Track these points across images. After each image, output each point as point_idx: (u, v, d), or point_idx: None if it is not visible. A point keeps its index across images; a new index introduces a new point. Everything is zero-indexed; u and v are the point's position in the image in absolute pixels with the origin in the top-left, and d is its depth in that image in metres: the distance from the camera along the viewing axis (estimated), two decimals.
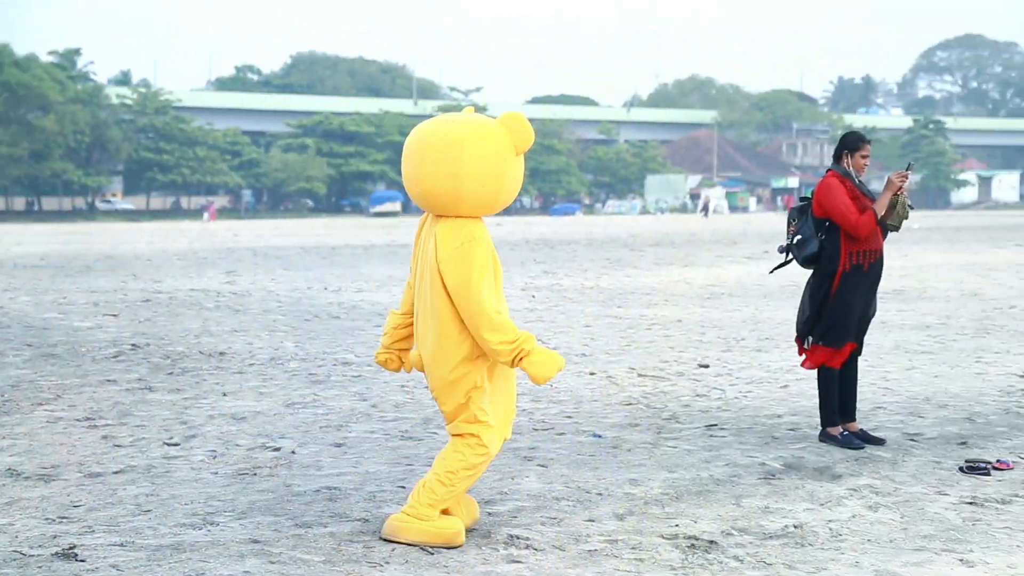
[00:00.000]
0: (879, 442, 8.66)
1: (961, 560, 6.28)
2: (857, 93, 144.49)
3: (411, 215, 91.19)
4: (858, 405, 8.94)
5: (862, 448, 8.48)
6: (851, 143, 8.78)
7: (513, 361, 5.81)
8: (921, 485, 7.70)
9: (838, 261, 8.62)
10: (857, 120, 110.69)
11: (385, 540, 6.20)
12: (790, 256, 8.89)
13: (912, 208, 8.88)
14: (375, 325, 16.24)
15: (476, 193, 5.84)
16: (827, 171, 8.86)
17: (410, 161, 5.92)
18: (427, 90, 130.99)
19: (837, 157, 8.80)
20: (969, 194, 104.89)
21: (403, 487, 7.39)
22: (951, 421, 9.49)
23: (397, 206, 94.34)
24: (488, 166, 5.83)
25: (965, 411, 9.87)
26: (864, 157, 8.75)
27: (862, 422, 8.98)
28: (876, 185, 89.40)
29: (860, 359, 8.91)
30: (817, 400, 8.80)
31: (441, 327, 5.91)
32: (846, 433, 8.66)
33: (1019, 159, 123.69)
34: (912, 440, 8.83)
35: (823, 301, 8.66)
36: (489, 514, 6.80)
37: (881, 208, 8.60)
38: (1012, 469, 8.07)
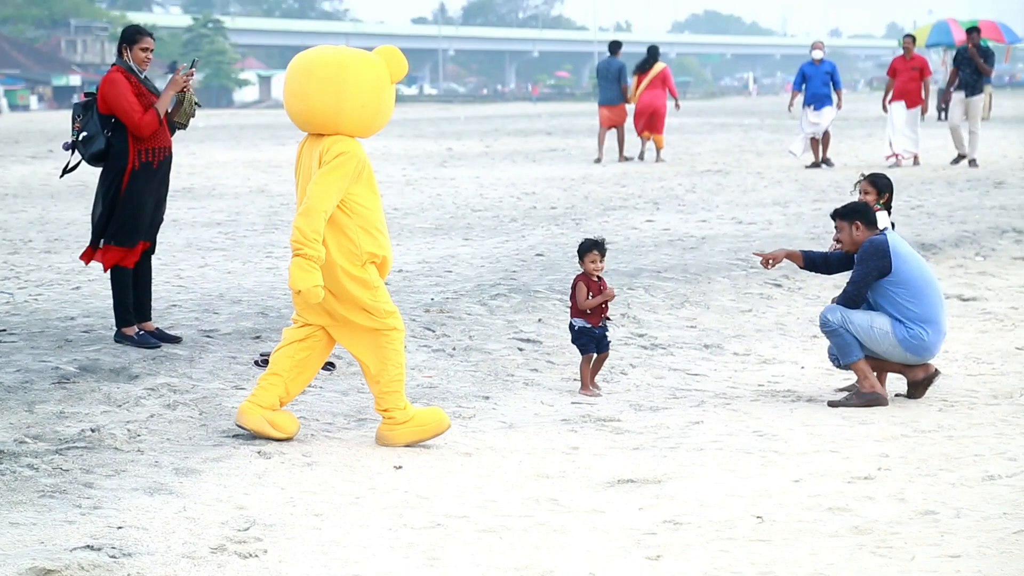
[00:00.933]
0: (175, 340, 8.61)
1: (259, 452, 6.40)
2: None
3: None
4: (153, 304, 8.82)
5: (158, 347, 8.40)
6: (130, 36, 8.55)
7: (293, 252, 6.22)
8: (218, 381, 7.75)
9: (126, 159, 8.38)
10: (138, 18, 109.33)
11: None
12: (78, 157, 8.54)
13: (200, 106, 8.82)
14: None
15: (357, 114, 6.35)
16: (112, 66, 8.57)
17: (296, 79, 6.39)
18: None
19: (120, 52, 8.54)
20: (251, 93, 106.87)
21: None
22: (245, 316, 9.63)
23: None
24: (369, 90, 6.38)
25: (258, 305, 10.06)
26: (144, 50, 8.54)
27: (157, 321, 8.88)
28: (161, 84, 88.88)
29: (154, 258, 8.77)
30: (112, 301, 8.58)
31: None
32: (142, 332, 8.53)
33: None
34: (208, 337, 8.86)
35: (114, 200, 8.41)
36: None
37: (164, 106, 8.46)
38: None
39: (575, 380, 8.30)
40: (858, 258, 7.54)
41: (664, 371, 8.67)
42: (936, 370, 7.67)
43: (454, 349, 8.87)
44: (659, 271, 11.63)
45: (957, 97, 22.20)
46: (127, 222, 8.40)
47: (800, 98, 22.81)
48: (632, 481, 6.06)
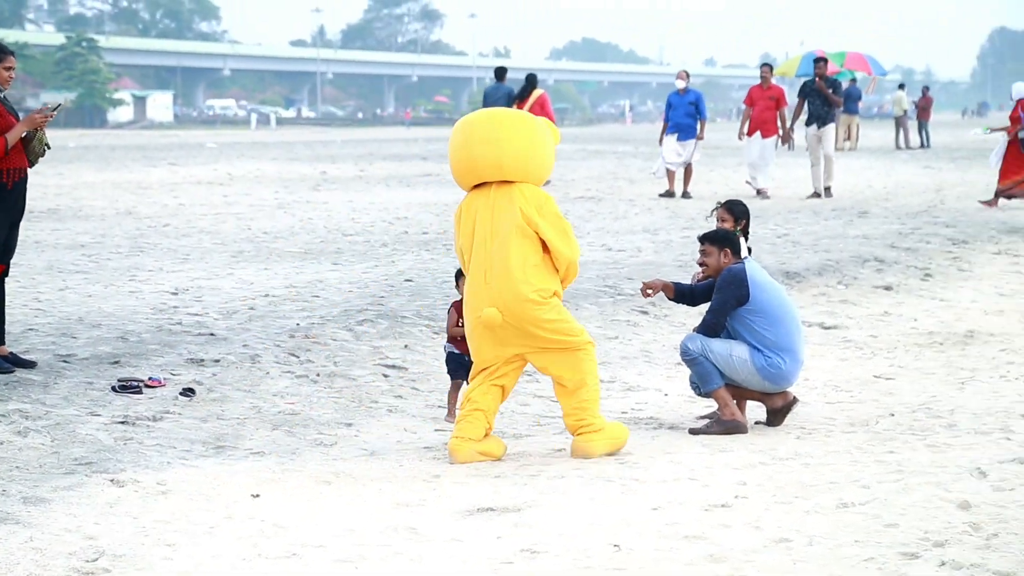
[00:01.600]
0: (30, 365, 8.41)
1: (112, 480, 6.26)
2: (7, 7, 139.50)
3: None
4: (7, 328, 8.60)
5: (12, 372, 8.19)
6: None
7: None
8: (73, 407, 7.58)
9: None
10: (11, 35, 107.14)
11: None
12: None
13: (49, 148, 8.58)
14: None
15: (549, 161, 7.09)
16: None
17: (485, 128, 6.96)
18: None
19: None
20: (125, 113, 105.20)
21: None
22: (104, 340, 9.43)
23: None
24: (549, 140, 7.09)
25: (119, 330, 9.86)
26: (8, 69, 8.35)
27: (12, 345, 8.66)
28: (32, 102, 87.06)
29: (12, 280, 8.55)
30: None
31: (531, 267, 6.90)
32: None
33: (172, 79, 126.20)
34: (64, 361, 8.66)
35: None
36: None
37: (15, 137, 8.23)
38: (164, 386, 8.19)
39: (440, 407, 8.26)
40: (717, 287, 7.61)
41: (529, 398, 8.66)
42: (794, 398, 7.77)
43: (318, 375, 8.78)
44: None
45: (810, 131, 21.81)
46: None
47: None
48: (492, 509, 6.02)
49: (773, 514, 5.85)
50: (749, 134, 22.03)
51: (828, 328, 11.13)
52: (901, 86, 42.88)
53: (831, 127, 21.87)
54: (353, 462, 6.93)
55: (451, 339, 7.96)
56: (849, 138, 38.50)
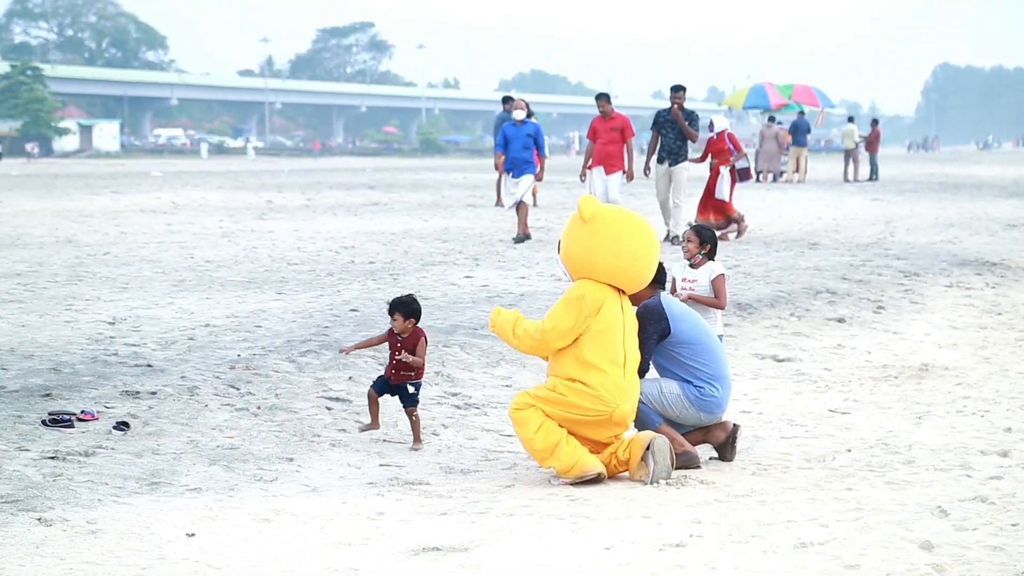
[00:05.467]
0: None
1: (39, 519, 5.97)
2: None
3: None
4: None
5: None
6: None
7: None
8: (0, 442, 7.25)
9: None
10: None
11: None
12: None
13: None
14: None
15: None
16: None
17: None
18: None
19: None
20: (71, 142, 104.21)
21: None
22: (36, 372, 9.10)
23: None
24: None
25: (52, 361, 9.53)
26: None
27: None
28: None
29: None
30: None
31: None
32: None
33: (119, 109, 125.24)
34: None
35: None
36: None
37: None
38: (97, 419, 7.88)
39: (384, 441, 8.01)
40: (638, 325, 7.37)
41: (477, 432, 8.42)
42: (735, 424, 7.58)
43: (259, 408, 8.50)
44: (475, 328, 11.40)
45: (661, 169, 18.93)
46: None
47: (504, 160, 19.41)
48: (438, 549, 5.77)
49: (729, 554, 5.64)
50: (590, 168, 19.30)
51: (781, 361, 10.96)
52: (850, 119, 43.05)
53: (683, 167, 18.95)
54: (294, 498, 6.66)
55: (421, 370, 7.94)
56: (798, 170, 38.59)
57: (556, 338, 7.05)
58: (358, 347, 8.29)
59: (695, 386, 7.36)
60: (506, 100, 25.07)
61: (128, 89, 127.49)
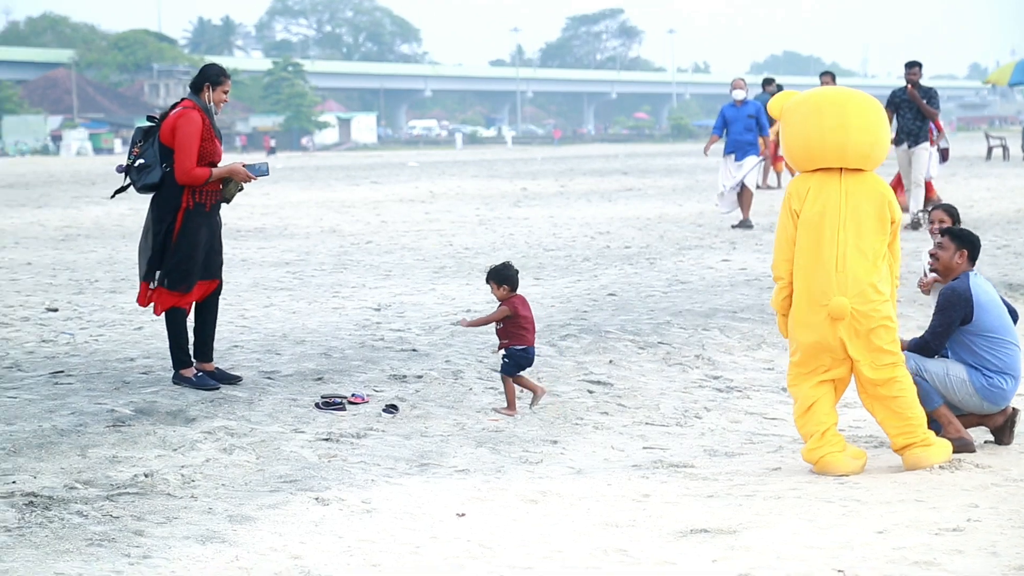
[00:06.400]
0: (235, 380, 8.40)
1: (317, 499, 6.17)
2: (217, 35, 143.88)
3: None
4: (216, 345, 8.62)
5: (217, 388, 8.18)
6: (214, 76, 8.34)
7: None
8: (277, 424, 7.53)
9: (180, 197, 8.15)
10: (221, 61, 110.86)
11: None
12: (128, 179, 8.34)
13: (242, 190, 8.55)
14: None
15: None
16: (183, 100, 8.36)
17: (885, 124, 6.85)
18: None
19: (197, 88, 8.35)
20: (330, 135, 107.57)
21: None
22: (308, 357, 9.41)
23: None
24: None
25: (322, 346, 9.84)
26: (226, 92, 8.39)
27: (218, 361, 8.68)
28: (241, 126, 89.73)
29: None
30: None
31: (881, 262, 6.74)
32: (200, 374, 8.32)
33: (375, 101, 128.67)
34: (269, 378, 8.64)
35: (165, 239, 8.17)
36: None
37: (216, 176, 8.22)
38: (367, 403, 8.09)
39: (647, 424, 8.00)
40: (939, 306, 7.15)
41: (740, 415, 8.34)
42: (1014, 408, 7.28)
43: (522, 391, 8.59)
44: (735, 311, 11.29)
45: (900, 151, 17.91)
46: (180, 264, 8.17)
47: (719, 145, 19.10)
48: (706, 531, 5.74)
49: (1009, 539, 5.44)
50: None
51: None
52: None
53: (923, 148, 17.95)
54: (559, 480, 6.71)
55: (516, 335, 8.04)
56: None
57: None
58: (474, 323, 8.40)
59: (984, 375, 7.11)
60: (767, 83, 24.45)
61: (384, 82, 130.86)
